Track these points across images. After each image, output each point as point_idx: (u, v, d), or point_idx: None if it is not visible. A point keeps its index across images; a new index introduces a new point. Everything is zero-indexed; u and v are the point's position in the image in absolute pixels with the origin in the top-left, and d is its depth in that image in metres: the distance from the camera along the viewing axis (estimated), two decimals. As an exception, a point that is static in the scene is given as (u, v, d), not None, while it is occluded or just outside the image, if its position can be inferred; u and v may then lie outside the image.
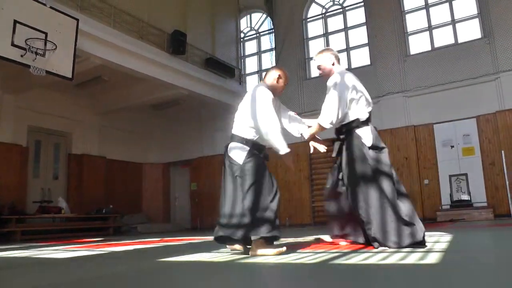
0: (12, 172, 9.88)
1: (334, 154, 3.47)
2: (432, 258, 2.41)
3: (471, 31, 10.44)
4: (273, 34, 13.37)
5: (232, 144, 3.30)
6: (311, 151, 3.62)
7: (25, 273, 2.78)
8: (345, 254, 2.83)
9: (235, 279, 2.15)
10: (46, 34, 7.32)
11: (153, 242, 6.01)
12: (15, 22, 6.91)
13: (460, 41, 10.49)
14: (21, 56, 7.00)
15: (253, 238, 3.04)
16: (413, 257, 2.50)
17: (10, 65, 7.28)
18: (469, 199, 9.50)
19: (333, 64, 3.51)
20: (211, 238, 6.40)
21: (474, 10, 10.46)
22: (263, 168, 3.23)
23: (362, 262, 2.39)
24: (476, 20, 10.40)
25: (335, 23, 12.60)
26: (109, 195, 12.14)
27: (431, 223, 8.71)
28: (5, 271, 2.93)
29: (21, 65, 7.11)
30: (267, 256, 2.95)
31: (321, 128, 3.39)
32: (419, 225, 3.01)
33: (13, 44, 6.89)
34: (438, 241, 3.65)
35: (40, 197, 10.66)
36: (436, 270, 2.04)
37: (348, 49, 12.12)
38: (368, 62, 11.56)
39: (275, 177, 3.36)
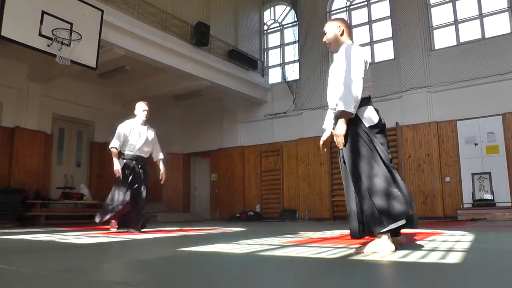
0: (37, 159, 10.16)
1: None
2: (454, 258, 2.39)
3: (499, 25, 10.17)
4: (297, 26, 13.27)
5: None
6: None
7: (51, 257, 2.86)
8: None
9: (253, 270, 2.17)
10: (71, 24, 7.45)
11: (172, 232, 6.09)
12: (43, 12, 7.07)
13: (487, 36, 10.23)
14: (48, 45, 7.17)
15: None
16: (434, 256, 2.48)
17: (37, 54, 7.45)
18: (492, 198, 9.32)
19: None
20: (231, 229, 6.46)
21: (504, 4, 10.14)
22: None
23: (381, 259, 2.38)
24: (506, 14, 10.11)
25: (359, 16, 12.43)
26: (130, 183, 12.31)
27: (452, 221, 8.59)
28: (32, 254, 3.03)
29: (48, 55, 7.27)
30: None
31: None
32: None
33: (40, 34, 7.05)
34: (459, 240, 3.61)
35: (63, 184, 10.94)
36: (457, 269, 2.02)
37: (372, 43, 11.95)
38: (392, 56, 11.38)
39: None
